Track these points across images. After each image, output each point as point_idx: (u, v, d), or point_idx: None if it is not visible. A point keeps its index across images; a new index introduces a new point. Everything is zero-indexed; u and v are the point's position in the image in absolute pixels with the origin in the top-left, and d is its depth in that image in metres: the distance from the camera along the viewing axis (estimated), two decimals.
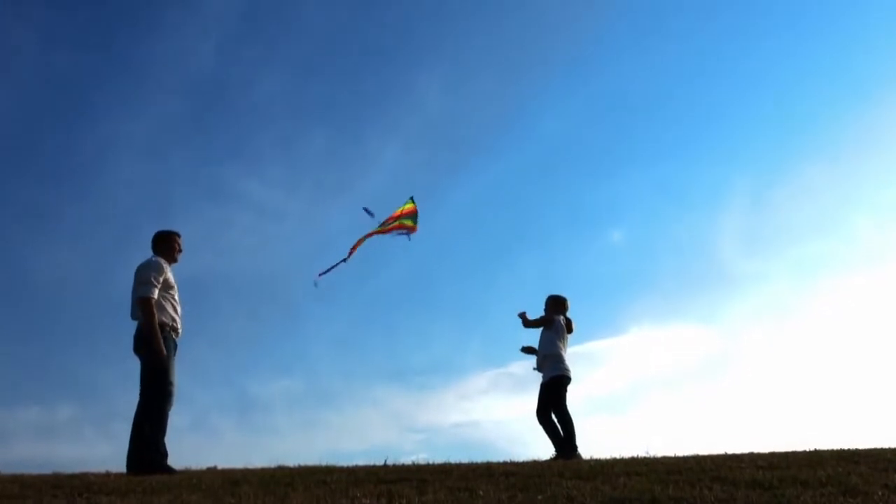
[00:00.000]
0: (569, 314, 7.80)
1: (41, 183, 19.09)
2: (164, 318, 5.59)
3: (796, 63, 22.68)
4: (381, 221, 7.98)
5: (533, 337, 7.79)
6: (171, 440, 5.52)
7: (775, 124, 22.54)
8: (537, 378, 7.60)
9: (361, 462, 5.71)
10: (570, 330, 7.71)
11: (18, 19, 19.11)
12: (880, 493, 3.09)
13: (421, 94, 22.15)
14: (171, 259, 5.86)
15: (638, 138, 22.87)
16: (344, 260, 7.68)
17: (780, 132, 22.63)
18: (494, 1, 22.80)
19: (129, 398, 5.58)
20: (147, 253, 5.85)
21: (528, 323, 7.74)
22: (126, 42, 20.42)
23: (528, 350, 7.79)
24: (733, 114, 22.51)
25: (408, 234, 8.09)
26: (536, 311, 7.83)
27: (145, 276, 5.58)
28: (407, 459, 5.68)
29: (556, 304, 7.80)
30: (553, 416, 7.32)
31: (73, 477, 4.73)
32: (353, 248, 7.77)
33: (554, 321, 7.65)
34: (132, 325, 5.68)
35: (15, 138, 19.04)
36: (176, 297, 5.77)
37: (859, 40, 21.69)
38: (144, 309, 5.50)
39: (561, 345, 7.55)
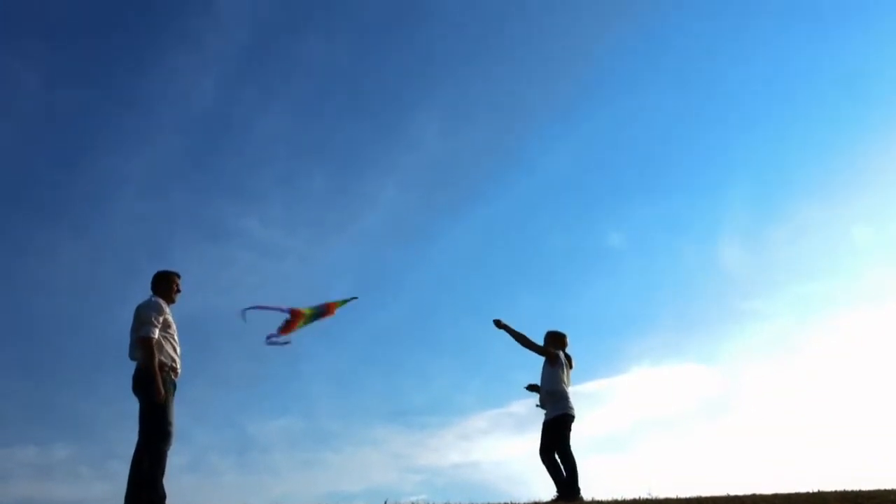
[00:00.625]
0: (568, 351, 7.70)
1: (40, 220, 19.18)
2: (163, 358, 5.60)
3: (792, 104, 22.95)
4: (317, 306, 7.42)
5: (534, 373, 7.73)
6: (169, 480, 5.49)
7: (772, 163, 22.72)
8: (538, 418, 7.50)
9: (361, 503, 5.65)
10: (570, 366, 7.60)
11: (19, 56, 19.41)
12: None
13: (419, 134, 22.41)
14: (170, 299, 5.91)
15: (635, 178, 23.02)
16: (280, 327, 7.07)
17: (777, 171, 22.80)
18: (493, 44, 23.14)
19: (127, 438, 5.56)
20: (147, 292, 5.90)
21: (516, 336, 7.49)
22: (127, 80, 20.71)
23: (533, 388, 7.68)
24: (730, 153, 22.71)
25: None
26: (535, 354, 7.72)
27: (145, 317, 5.61)
28: (407, 500, 5.64)
29: (556, 340, 7.68)
30: (556, 456, 7.20)
31: None
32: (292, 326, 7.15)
33: (557, 356, 7.52)
34: (131, 365, 5.68)
35: (15, 175, 19.19)
36: (175, 337, 5.80)
37: (854, 82, 21.98)
38: (144, 349, 5.52)
39: (564, 381, 7.45)
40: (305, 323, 7.20)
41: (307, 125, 22.51)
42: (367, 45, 22.38)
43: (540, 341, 7.64)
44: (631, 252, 21.80)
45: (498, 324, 7.53)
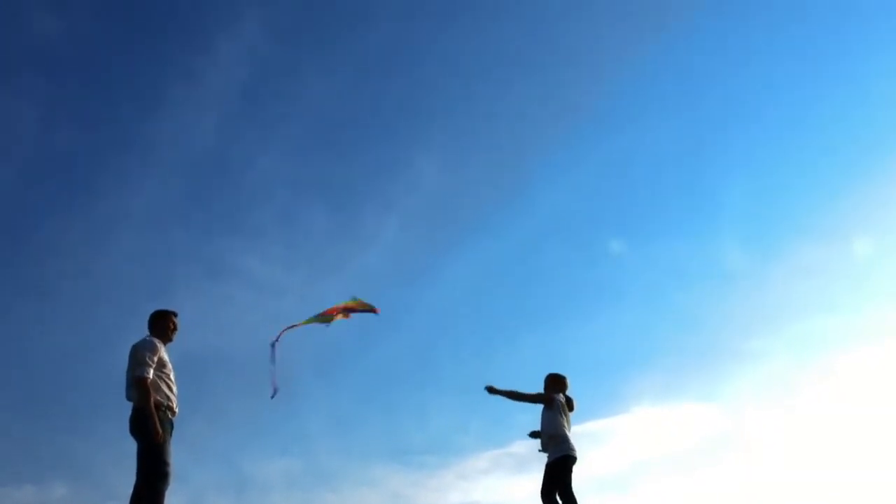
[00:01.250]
0: (569, 392, 7.70)
1: (40, 259, 19.18)
2: (159, 398, 5.57)
3: (791, 141, 23.15)
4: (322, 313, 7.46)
5: (534, 417, 7.70)
6: None
7: (769, 200, 22.84)
8: (539, 458, 7.46)
9: None
10: (571, 408, 7.59)
11: (19, 95, 19.62)
12: None
13: (419, 171, 22.52)
14: (167, 338, 5.89)
15: (636, 215, 23.12)
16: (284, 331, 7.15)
17: (775, 209, 22.90)
18: (492, 80, 23.43)
19: (123, 479, 5.54)
20: (145, 332, 5.89)
21: (509, 394, 7.48)
22: (127, 118, 20.89)
23: (535, 435, 7.65)
24: (730, 190, 22.82)
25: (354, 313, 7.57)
26: (537, 390, 7.68)
27: (140, 357, 5.59)
28: None
29: (556, 383, 7.68)
30: (557, 497, 7.15)
31: None
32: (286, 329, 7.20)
33: (553, 400, 7.50)
34: (129, 405, 5.64)
35: (14, 214, 19.26)
36: (171, 377, 5.77)
37: (854, 117, 22.21)
38: (140, 389, 5.50)
39: (564, 424, 7.41)
40: (312, 322, 7.22)
41: (307, 163, 22.66)
42: (365, 82, 22.64)
43: (539, 387, 7.67)
44: (631, 290, 21.79)
45: (490, 390, 7.51)
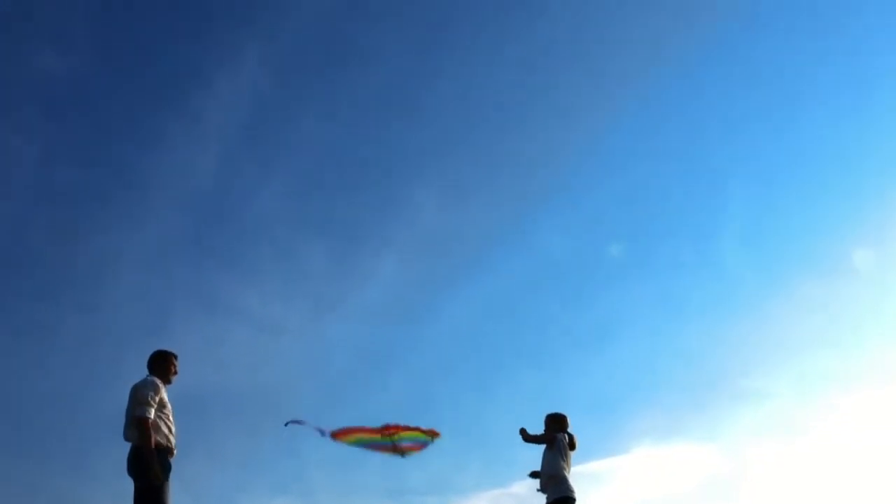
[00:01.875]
0: (570, 430, 7.68)
1: (39, 297, 19.16)
2: (158, 439, 5.55)
3: (790, 179, 23.32)
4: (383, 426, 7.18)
5: (535, 456, 7.68)
6: None
7: (771, 236, 22.91)
8: (539, 498, 7.43)
9: None
10: (573, 446, 7.56)
11: (18, 131, 19.80)
12: None
13: (418, 208, 22.63)
14: (166, 380, 5.88)
15: (635, 252, 23.18)
16: (321, 433, 6.94)
17: (777, 243, 22.96)
18: (491, 118, 23.69)
19: None
20: (144, 370, 5.88)
21: (527, 438, 7.61)
22: (127, 155, 21.02)
23: (535, 475, 7.63)
24: (731, 226, 22.90)
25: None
26: (536, 429, 7.70)
27: (142, 396, 5.57)
28: None
29: (557, 422, 7.68)
30: None
31: None
32: (342, 435, 7.00)
33: (556, 439, 7.50)
34: (126, 445, 5.62)
35: (13, 251, 19.31)
36: (171, 418, 5.75)
37: (862, 153, 22.38)
38: (141, 430, 5.47)
39: (564, 465, 7.40)
40: (360, 444, 7.00)
41: (306, 200, 22.79)
42: (365, 119, 22.84)
43: (539, 426, 7.69)
44: (631, 328, 21.76)
45: (525, 436, 7.58)
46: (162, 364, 5.90)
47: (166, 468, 5.56)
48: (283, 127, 21.99)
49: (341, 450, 7.02)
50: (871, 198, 21.49)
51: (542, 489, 7.45)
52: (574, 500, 7.27)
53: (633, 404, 19.61)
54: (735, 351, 20.93)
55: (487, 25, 22.17)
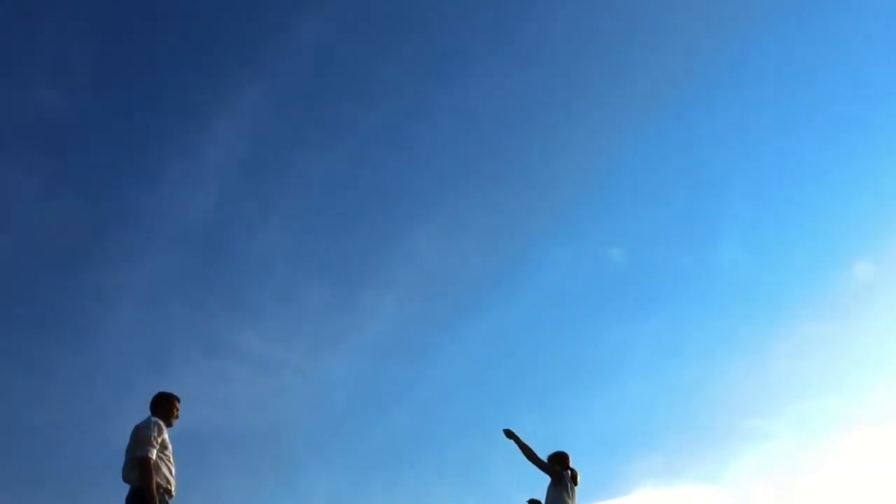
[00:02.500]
0: (573, 466, 7.62)
1: (37, 332, 19.13)
2: (158, 480, 5.54)
3: (793, 213, 23.42)
4: None
5: (534, 486, 7.61)
6: None
7: (770, 276, 22.94)
8: None
9: None
10: (576, 482, 7.53)
11: (18, 166, 19.96)
12: None
13: (417, 246, 22.74)
14: (168, 423, 5.89)
15: (634, 293, 23.20)
16: None
17: (777, 284, 22.99)
18: (489, 156, 23.91)
19: None
20: (143, 408, 5.90)
21: (514, 438, 7.46)
22: (126, 192, 21.20)
23: (534, 503, 7.59)
24: (727, 268, 22.97)
25: None
26: (536, 472, 7.63)
27: (144, 437, 5.58)
28: None
29: (559, 461, 7.63)
30: None
31: None
32: None
33: (563, 478, 7.44)
34: (124, 484, 5.60)
35: (11, 286, 19.32)
36: (171, 459, 5.75)
37: (861, 188, 22.52)
38: (143, 469, 5.47)
39: (570, 502, 7.34)
40: None
41: (305, 238, 22.91)
42: (364, 157, 23.08)
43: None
44: (631, 367, 21.71)
45: (508, 434, 7.50)
46: (165, 406, 5.92)
47: None
48: (283, 165, 22.22)
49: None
50: (876, 236, 21.61)
51: None
52: None
53: (634, 445, 19.50)
54: (736, 392, 20.87)
55: (486, 62, 22.55)
